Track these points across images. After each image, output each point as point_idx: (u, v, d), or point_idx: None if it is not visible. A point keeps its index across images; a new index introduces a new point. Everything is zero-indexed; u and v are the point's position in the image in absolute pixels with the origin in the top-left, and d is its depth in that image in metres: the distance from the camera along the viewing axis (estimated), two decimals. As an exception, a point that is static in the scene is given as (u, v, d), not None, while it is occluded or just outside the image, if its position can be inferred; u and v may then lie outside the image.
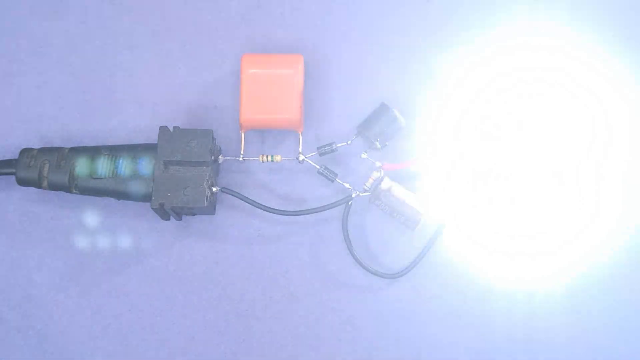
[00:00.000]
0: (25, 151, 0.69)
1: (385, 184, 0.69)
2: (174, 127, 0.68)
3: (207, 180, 0.67)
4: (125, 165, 0.68)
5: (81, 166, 0.68)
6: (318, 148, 0.70)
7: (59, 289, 0.70)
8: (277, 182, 0.72)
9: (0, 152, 0.72)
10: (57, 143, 0.72)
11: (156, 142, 0.68)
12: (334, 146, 0.70)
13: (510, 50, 0.74)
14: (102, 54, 0.74)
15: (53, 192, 0.69)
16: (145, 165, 0.68)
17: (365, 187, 0.70)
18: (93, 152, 0.69)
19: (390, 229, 0.71)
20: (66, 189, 0.68)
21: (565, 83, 0.74)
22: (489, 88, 0.73)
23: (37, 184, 0.69)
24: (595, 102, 0.73)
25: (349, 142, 0.70)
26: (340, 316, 0.70)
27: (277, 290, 0.71)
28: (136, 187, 0.68)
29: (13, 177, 0.69)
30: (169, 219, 0.71)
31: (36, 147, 0.70)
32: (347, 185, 0.70)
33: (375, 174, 0.70)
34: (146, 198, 0.68)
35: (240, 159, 0.70)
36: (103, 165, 0.68)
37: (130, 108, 0.73)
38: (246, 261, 0.71)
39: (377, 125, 0.69)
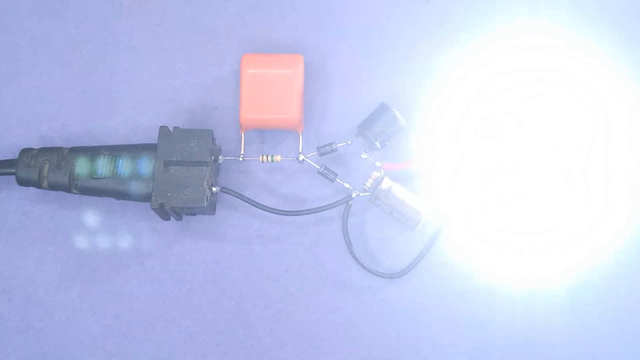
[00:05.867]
0: (25, 151, 0.69)
1: (385, 184, 0.69)
2: (174, 127, 0.68)
3: (207, 180, 0.67)
4: (125, 165, 0.68)
5: (81, 166, 0.68)
6: (318, 148, 0.70)
7: (59, 289, 0.70)
8: (277, 182, 0.72)
9: (0, 152, 0.72)
10: (57, 143, 0.72)
11: (156, 142, 0.68)
12: (334, 146, 0.70)
13: (510, 50, 0.74)
14: (102, 54, 0.74)
15: (53, 192, 0.69)
16: (145, 165, 0.68)
17: (365, 187, 0.70)
18: (93, 152, 0.69)
19: (390, 229, 0.71)
20: (66, 189, 0.68)
21: (565, 83, 0.74)
22: (489, 88, 0.73)
23: (37, 184, 0.69)
24: (595, 102, 0.74)
25: (349, 142, 0.70)
26: (340, 316, 0.71)
27: (277, 290, 0.71)
28: (136, 187, 0.68)
29: (13, 177, 0.69)
30: (169, 219, 0.71)
31: (36, 147, 0.70)
32: (347, 185, 0.70)
33: (375, 174, 0.70)
34: (146, 198, 0.68)
35: (240, 159, 0.70)
36: (103, 165, 0.68)
37: (130, 108, 0.73)
38: (246, 261, 0.71)
39: (377, 125, 0.69)
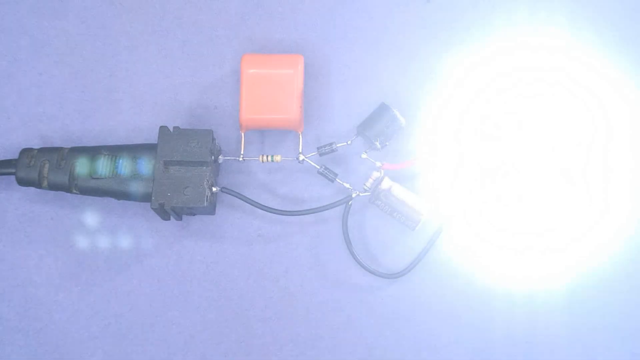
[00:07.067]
0: (25, 151, 0.69)
1: (385, 184, 0.69)
2: (174, 127, 0.68)
3: (207, 180, 0.67)
4: (125, 165, 0.68)
5: (81, 166, 0.68)
6: (318, 148, 0.70)
7: (59, 289, 0.70)
8: (277, 182, 0.72)
9: (0, 152, 0.72)
10: (57, 143, 0.72)
11: (156, 142, 0.68)
12: (334, 146, 0.70)
13: (510, 50, 0.74)
14: (102, 54, 0.74)
15: (53, 192, 0.69)
16: (145, 165, 0.68)
17: (365, 187, 0.70)
18: (93, 152, 0.69)
19: (390, 229, 0.71)
20: (66, 189, 0.68)
21: (565, 83, 0.74)
22: (489, 88, 0.73)
23: (37, 184, 0.69)
24: (595, 102, 0.74)
25: (349, 142, 0.70)
26: (340, 316, 0.71)
27: (277, 290, 0.71)
28: (136, 187, 0.68)
29: (13, 177, 0.69)
30: (169, 219, 0.71)
31: (36, 147, 0.70)
32: (347, 185, 0.70)
33: (375, 174, 0.70)
34: (146, 198, 0.68)
35: (240, 159, 0.70)
36: (103, 165, 0.68)
37: (130, 108, 0.73)
38: (246, 261, 0.71)
39: (377, 125, 0.69)
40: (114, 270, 0.71)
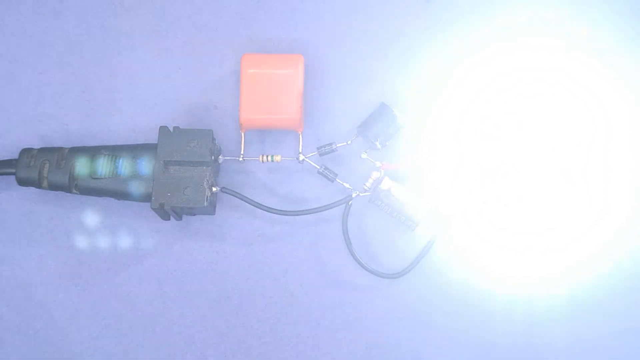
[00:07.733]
0: (25, 151, 0.69)
1: (385, 184, 0.69)
2: (174, 127, 0.68)
3: (207, 180, 0.67)
4: (125, 165, 0.68)
5: (81, 166, 0.68)
6: (318, 148, 0.70)
7: (59, 289, 0.70)
8: (277, 182, 0.72)
9: (0, 152, 0.72)
10: (57, 143, 0.72)
11: (156, 142, 0.68)
12: (334, 146, 0.70)
13: (510, 50, 0.74)
14: (102, 54, 0.74)
15: (53, 192, 0.69)
16: (145, 165, 0.68)
17: (365, 187, 0.70)
18: (93, 152, 0.69)
19: (390, 229, 0.71)
20: (66, 189, 0.68)
21: (565, 83, 0.74)
22: (489, 88, 0.73)
23: (37, 184, 0.69)
24: (595, 102, 0.74)
25: (349, 142, 0.70)
26: (340, 316, 0.71)
27: (277, 290, 0.71)
28: (136, 187, 0.68)
29: (13, 177, 0.69)
30: (169, 219, 0.71)
31: (36, 147, 0.70)
32: (347, 185, 0.70)
33: (375, 174, 0.70)
34: (146, 198, 0.68)
35: (240, 159, 0.70)
36: (103, 165, 0.68)
37: (130, 108, 0.73)
38: (246, 261, 0.71)
39: (377, 125, 0.69)
40: (114, 270, 0.71)
